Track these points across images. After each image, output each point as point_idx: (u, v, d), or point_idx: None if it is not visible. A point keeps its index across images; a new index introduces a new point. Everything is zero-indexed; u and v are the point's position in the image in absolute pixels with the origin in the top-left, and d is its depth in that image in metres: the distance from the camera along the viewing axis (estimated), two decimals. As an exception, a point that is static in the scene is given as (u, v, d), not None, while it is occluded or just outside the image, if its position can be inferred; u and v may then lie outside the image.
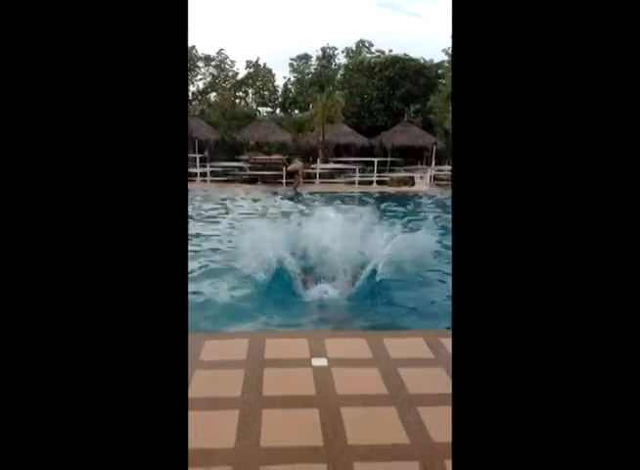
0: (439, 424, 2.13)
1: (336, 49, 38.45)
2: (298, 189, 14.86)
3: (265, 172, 16.12)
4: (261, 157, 17.69)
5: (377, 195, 14.47)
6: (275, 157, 17.66)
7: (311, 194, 14.27)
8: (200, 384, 2.40)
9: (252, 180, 16.09)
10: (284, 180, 15.72)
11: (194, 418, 2.12)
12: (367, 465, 1.87)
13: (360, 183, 16.56)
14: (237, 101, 36.04)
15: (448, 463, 1.86)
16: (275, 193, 14.34)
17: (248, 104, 37.19)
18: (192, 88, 38.36)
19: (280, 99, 38.74)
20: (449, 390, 2.40)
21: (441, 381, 2.51)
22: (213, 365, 2.60)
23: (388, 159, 19.67)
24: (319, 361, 2.65)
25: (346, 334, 3.20)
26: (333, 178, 17.34)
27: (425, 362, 2.74)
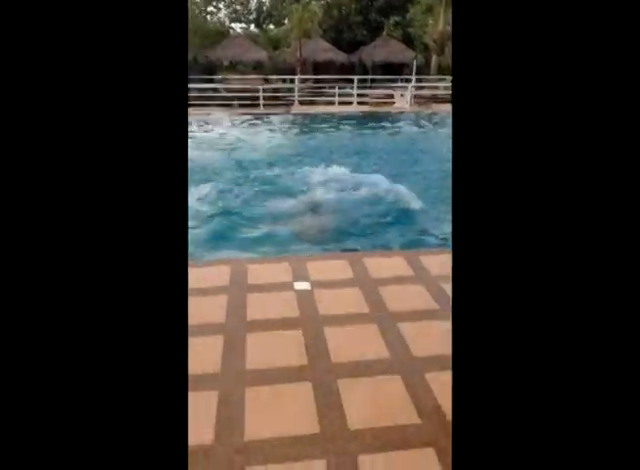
0: (419, 339, 2.19)
1: (311, -46, 35.44)
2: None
3: (242, 94, 15.42)
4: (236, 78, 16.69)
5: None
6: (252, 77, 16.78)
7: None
8: (182, 312, 2.40)
9: (228, 104, 15.41)
10: (261, 102, 15.09)
11: (178, 345, 2.14)
12: (351, 381, 1.93)
13: (340, 103, 15.99)
14: (208, 17, 33.65)
15: (428, 376, 1.93)
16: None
17: (220, 20, 34.78)
18: (157, 3, 35.44)
19: (254, 14, 36.23)
20: (429, 306, 2.46)
21: (421, 298, 2.56)
22: (196, 292, 2.60)
23: (369, 76, 18.88)
24: (301, 284, 2.66)
25: (328, 256, 3.20)
26: (312, 99, 16.68)
27: (405, 280, 2.77)
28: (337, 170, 6.33)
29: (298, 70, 19.31)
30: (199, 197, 5.16)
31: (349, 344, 2.17)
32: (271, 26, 33.42)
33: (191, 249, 3.88)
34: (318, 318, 2.35)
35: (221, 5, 36.01)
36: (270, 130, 11.53)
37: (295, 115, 14.16)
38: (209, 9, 34.91)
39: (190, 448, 1.60)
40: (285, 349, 2.12)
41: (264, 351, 2.11)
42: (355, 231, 4.39)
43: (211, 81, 16.95)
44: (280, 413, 1.76)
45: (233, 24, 34.97)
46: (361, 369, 2.00)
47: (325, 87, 17.07)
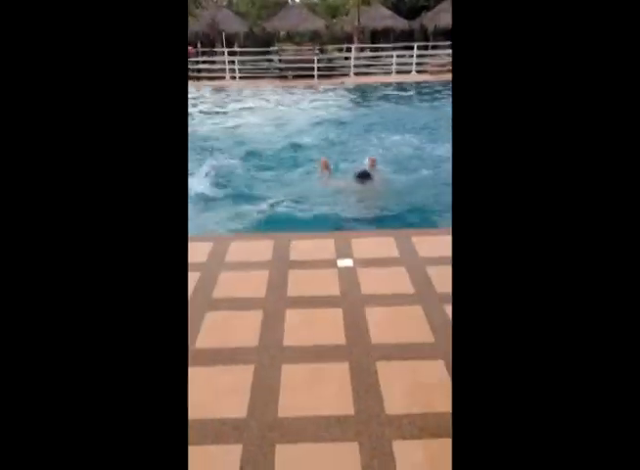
0: (467, 323, 2.06)
1: None
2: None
3: (297, 65, 15.23)
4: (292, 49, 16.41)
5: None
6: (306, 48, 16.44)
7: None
8: (224, 285, 2.41)
9: (282, 75, 15.29)
10: (316, 73, 14.83)
11: (219, 318, 2.15)
12: (390, 364, 1.85)
13: (398, 72, 15.43)
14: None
15: (472, 363, 1.82)
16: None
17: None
18: (219, -25, 35.75)
19: (312, -19, 35.50)
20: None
21: (472, 280, 2.41)
22: (238, 267, 2.60)
23: (430, 43, 18.02)
24: (345, 262, 2.58)
25: (374, 233, 3.10)
26: (368, 68, 16.19)
27: (456, 261, 2.62)
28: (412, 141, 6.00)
29: (356, 38, 18.77)
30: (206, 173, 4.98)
31: (391, 325, 2.09)
32: (330, -6, 32.62)
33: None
34: (360, 297, 2.28)
35: (280, -26, 35.53)
36: (321, 101, 11.32)
37: (350, 85, 13.82)
38: (268, -22, 34.56)
39: (222, 421, 1.61)
40: (324, 327, 2.07)
41: (303, 328, 2.07)
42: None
43: (267, 53, 16.85)
44: (315, 393, 1.73)
45: (291, -7, 34.54)
46: (402, 352, 1.92)
47: (382, 56, 16.51)
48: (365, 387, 1.74)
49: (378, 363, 1.85)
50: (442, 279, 2.41)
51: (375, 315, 2.14)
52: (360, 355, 1.90)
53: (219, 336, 2.03)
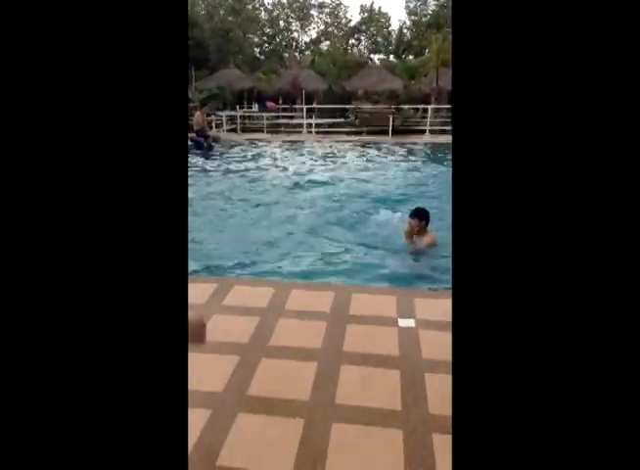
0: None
1: (457, -15, 35.72)
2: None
3: (372, 123, 15.69)
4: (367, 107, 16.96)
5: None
6: (381, 107, 16.92)
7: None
8: (282, 333, 2.40)
9: (358, 131, 15.75)
10: (390, 130, 15.14)
11: (273, 366, 2.13)
12: (447, 438, 1.72)
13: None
14: (349, 49, 35.31)
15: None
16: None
17: (360, 51, 36.29)
18: (305, 38, 38.36)
19: (393, 45, 37.12)
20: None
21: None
22: (297, 315, 2.58)
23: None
24: (406, 322, 2.49)
25: (438, 294, 2.98)
26: (443, 128, 16.31)
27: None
28: None
29: (433, 98, 19.08)
30: None
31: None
32: (410, 57, 33.87)
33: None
34: (420, 361, 2.17)
35: (362, 37, 37.57)
36: (388, 158, 11.42)
37: (424, 144, 13.93)
38: (350, 41, 36.64)
39: (267, 478, 1.55)
40: (379, 389, 1.98)
41: (357, 387, 1.99)
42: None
43: (344, 110, 17.52)
44: (364, 458, 1.63)
45: (372, 55, 36.29)
46: (461, 426, 1.78)
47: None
48: (419, 459, 1.62)
49: (434, 435, 1.73)
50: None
51: (435, 383, 2.02)
52: (416, 424, 1.78)
53: (272, 385, 2.00)
